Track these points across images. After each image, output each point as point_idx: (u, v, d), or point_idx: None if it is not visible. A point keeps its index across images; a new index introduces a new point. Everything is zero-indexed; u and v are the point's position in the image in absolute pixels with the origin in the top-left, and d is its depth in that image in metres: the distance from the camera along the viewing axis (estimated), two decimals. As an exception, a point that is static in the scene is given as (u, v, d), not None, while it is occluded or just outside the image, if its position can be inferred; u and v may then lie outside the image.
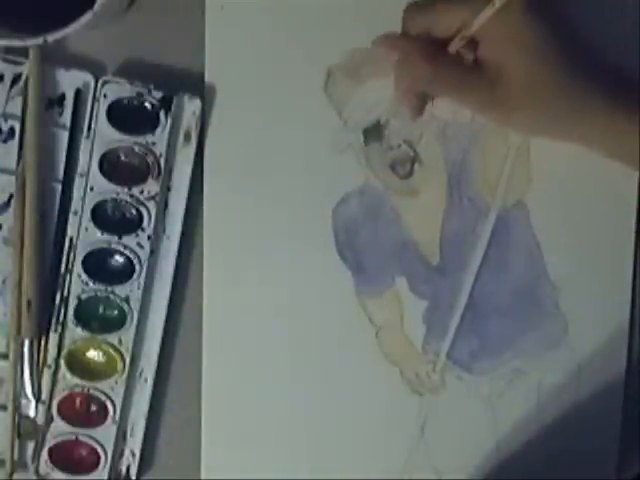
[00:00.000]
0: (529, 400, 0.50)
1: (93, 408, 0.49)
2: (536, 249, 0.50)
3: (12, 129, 0.48)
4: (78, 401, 0.49)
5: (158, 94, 0.48)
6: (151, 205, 0.48)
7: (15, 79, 0.48)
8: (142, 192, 0.48)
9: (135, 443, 0.50)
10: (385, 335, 0.50)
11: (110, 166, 0.48)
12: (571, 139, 0.46)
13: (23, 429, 0.49)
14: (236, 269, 0.50)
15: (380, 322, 0.50)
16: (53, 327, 0.49)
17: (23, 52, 0.47)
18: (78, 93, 0.48)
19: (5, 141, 0.48)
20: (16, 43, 0.43)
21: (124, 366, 0.49)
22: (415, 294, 0.50)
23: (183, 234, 0.49)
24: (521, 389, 0.50)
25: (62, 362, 0.49)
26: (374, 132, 0.49)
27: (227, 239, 0.50)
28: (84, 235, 0.48)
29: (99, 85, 0.47)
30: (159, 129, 0.48)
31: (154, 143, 0.48)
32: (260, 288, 0.50)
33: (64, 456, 0.49)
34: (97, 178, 0.48)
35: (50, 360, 0.49)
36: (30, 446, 0.49)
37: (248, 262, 0.50)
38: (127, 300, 0.49)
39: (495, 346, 0.50)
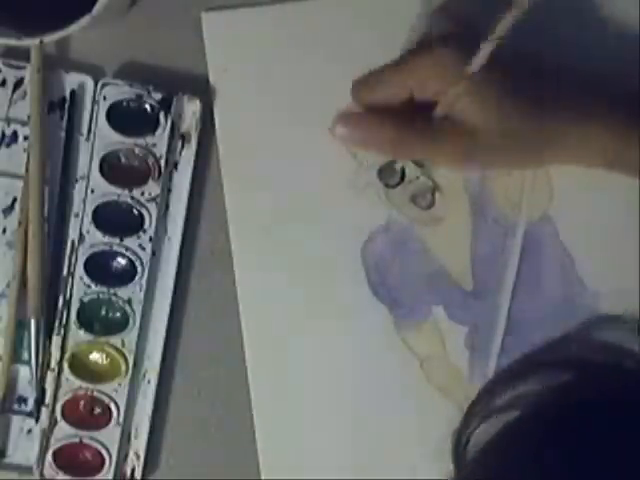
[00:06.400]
0: None
1: (97, 410, 0.49)
2: (568, 259, 0.49)
3: (15, 133, 0.48)
4: (82, 404, 0.49)
5: (157, 95, 0.47)
6: (152, 206, 0.48)
7: (17, 83, 0.48)
8: (143, 194, 0.48)
9: (139, 445, 0.50)
10: (430, 366, 0.49)
11: (111, 168, 0.48)
12: (542, 164, 0.46)
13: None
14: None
15: (423, 354, 0.49)
16: (56, 330, 0.49)
17: (25, 56, 0.47)
18: (74, 95, 0.48)
19: (8, 145, 0.49)
20: (13, 42, 0.43)
21: (127, 368, 0.49)
22: (454, 321, 0.49)
23: (184, 235, 0.49)
24: None
25: (65, 365, 0.49)
26: (389, 170, 0.48)
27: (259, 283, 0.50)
28: (86, 238, 0.48)
29: (98, 87, 0.48)
30: (159, 130, 0.48)
31: (154, 144, 0.48)
32: (294, 338, 0.49)
33: (69, 459, 0.49)
34: (98, 180, 0.48)
35: (53, 363, 0.49)
36: (35, 449, 0.49)
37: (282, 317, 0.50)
38: (129, 302, 0.48)
39: None
